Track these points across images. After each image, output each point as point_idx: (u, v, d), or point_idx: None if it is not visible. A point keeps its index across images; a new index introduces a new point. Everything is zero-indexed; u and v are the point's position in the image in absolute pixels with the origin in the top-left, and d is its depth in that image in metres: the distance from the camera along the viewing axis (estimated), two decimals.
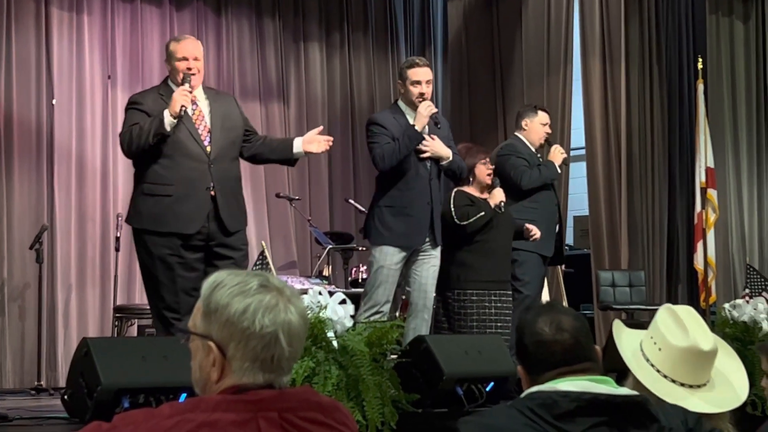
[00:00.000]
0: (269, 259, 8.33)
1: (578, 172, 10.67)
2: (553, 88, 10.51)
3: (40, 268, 8.07)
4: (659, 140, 10.48)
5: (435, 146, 6.12)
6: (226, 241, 5.53)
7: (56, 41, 8.99)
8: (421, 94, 6.09)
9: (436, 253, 6.20)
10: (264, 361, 1.96)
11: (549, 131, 7.20)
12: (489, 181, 6.53)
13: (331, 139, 5.85)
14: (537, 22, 10.72)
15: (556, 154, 7.13)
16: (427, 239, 6.14)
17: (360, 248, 9.39)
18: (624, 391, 2.32)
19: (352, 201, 9.96)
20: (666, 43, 10.62)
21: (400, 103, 6.25)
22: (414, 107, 6.12)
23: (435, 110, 6.10)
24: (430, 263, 6.17)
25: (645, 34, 10.43)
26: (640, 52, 10.37)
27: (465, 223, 6.32)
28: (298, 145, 5.75)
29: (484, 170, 6.52)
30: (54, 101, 8.88)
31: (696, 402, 2.73)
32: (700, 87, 9.25)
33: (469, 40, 11.37)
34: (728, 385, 2.87)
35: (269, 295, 1.98)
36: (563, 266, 9.01)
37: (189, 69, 5.48)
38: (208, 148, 5.48)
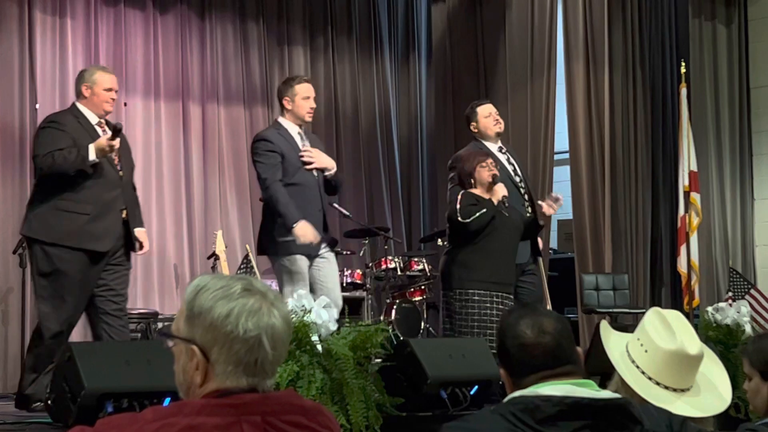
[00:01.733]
0: (253, 263, 8.33)
1: (562, 176, 10.67)
2: (536, 91, 10.51)
3: (24, 273, 8.03)
4: (642, 144, 10.50)
5: (320, 158, 6.29)
6: (124, 256, 5.90)
7: (39, 45, 8.95)
8: (312, 108, 6.32)
9: (332, 256, 6.33)
10: (247, 364, 1.96)
11: (497, 118, 7.12)
12: (490, 180, 6.55)
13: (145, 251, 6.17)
14: (521, 27, 10.72)
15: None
16: (323, 245, 6.24)
17: (344, 252, 9.39)
18: (606, 394, 2.31)
19: (336, 205, 9.93)
20: (649, 47, 10.65)
21: (282, 120, 6.38)
22: (299, 122, 6.30)
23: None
24: (329, 267, 6.28)
25: (628, 38, 10.45)
26: (624, 56, 10.38)
27: (468, 220, 6.35)
28: (139, 233, 6.02)
29: (484, 172, 6.54)
30: (37, 105, 8.83)
31: (681, 406, 2.73)
32: (683, 91, 9.27)
33: (453, 44, 11.36)
34: (713, 390, 2.87)
35: (253, 299, 1.98)
36: (540, 255, 8.90)
37: (113, 100, 5.89)
38: (121, 173, 5.86)
